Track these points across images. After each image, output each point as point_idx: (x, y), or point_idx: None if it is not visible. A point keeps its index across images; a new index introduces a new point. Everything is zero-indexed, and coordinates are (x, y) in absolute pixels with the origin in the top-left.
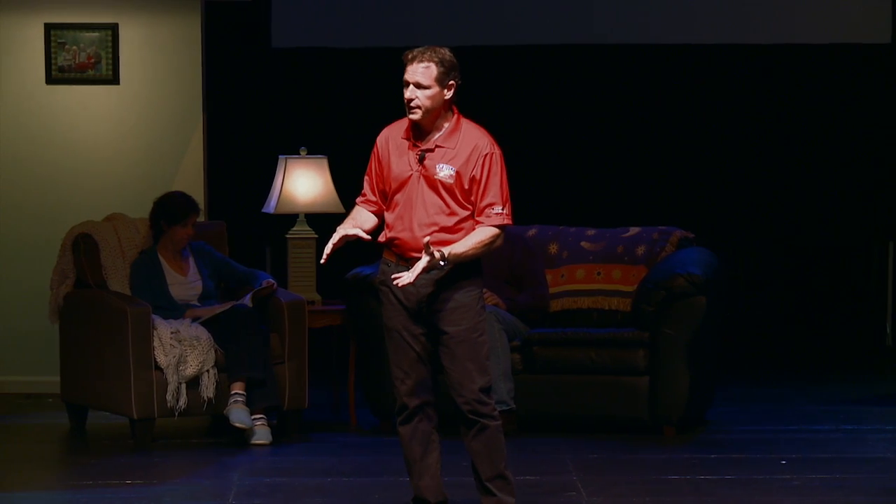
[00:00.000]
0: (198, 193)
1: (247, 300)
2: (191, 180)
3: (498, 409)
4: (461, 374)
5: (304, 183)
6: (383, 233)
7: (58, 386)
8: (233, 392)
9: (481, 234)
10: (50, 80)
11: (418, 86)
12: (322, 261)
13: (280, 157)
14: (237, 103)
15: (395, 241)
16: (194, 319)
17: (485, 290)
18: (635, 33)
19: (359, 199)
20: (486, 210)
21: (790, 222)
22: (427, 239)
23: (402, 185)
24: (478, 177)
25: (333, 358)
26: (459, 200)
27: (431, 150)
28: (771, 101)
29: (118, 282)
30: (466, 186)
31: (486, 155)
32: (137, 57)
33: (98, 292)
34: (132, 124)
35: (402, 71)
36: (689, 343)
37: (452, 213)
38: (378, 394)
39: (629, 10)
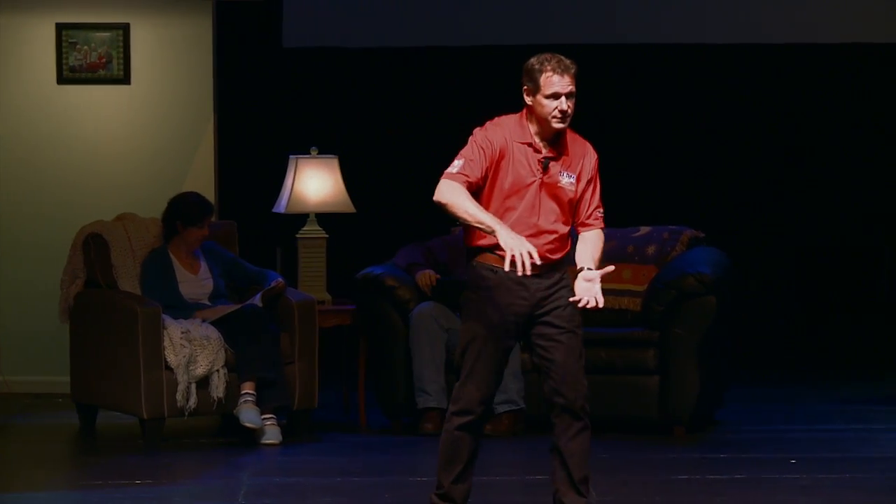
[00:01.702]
0: (208, 193)
1: (257, 300)
2: (201, 180)
3: (507, 408)
4: (576, 371)
5: (314, 183)
6: (478, 237)
7: (68, 386)
8: (243, 392)
9: (600, 241)
10: (61, 79)
11: (571, 95)
12: (527, 272)
13: (291, 156)
14: (248, 103)
15: None
16: (204, 319)
17: None
18: (650, 33)
19: (463, 178)
20: (595, 212)
21: (801, 222)
22: (612, 268)
23: (520, 190)
24: (591, 180)
25: (343, 358)
26: (572, 208)
27: (554, 159)
28: (784, 101)
29: (128, 281)
30: (580, 193)
31: (595, 160)
32: (148, 57)
33: (108, 292)
34: (143, 124)
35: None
36: (699, 343)
37: (567, 222)
38: (388, 394)
39: (641, 9)
